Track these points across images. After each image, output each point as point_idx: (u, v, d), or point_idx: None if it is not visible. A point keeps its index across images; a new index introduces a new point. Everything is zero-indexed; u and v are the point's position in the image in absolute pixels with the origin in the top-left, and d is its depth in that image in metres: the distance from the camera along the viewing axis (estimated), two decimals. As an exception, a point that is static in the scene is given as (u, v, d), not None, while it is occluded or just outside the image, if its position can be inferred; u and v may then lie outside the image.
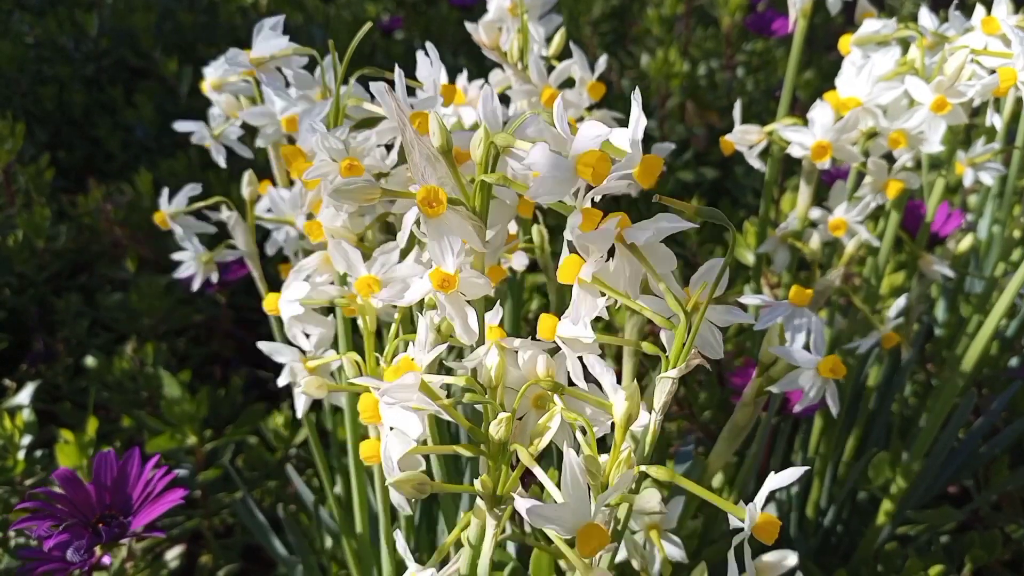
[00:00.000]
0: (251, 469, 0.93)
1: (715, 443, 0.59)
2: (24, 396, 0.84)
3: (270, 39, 0.56)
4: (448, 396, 0.42)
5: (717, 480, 0.83)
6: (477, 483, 0.41)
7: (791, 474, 0.39)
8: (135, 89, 1.43)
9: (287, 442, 0.94)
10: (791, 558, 0.50)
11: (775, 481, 0.40)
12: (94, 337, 1.10)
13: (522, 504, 0.36)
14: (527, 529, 0.55)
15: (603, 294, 0.41)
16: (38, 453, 0.82)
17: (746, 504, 0.40)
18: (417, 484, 0.40)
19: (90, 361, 1.00)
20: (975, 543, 0.74)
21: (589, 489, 0.38)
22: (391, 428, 0.41)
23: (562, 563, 0.47)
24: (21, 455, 0.78)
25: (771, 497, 0.61)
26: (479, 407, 0.42)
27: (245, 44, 0.58)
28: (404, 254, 0.51)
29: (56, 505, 0.62)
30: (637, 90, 0.39)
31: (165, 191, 0.68)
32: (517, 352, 0.44)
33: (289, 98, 0.58)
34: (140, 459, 0.64)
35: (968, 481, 0.86)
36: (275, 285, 0.66)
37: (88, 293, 1.15)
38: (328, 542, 0.83)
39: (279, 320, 0.68)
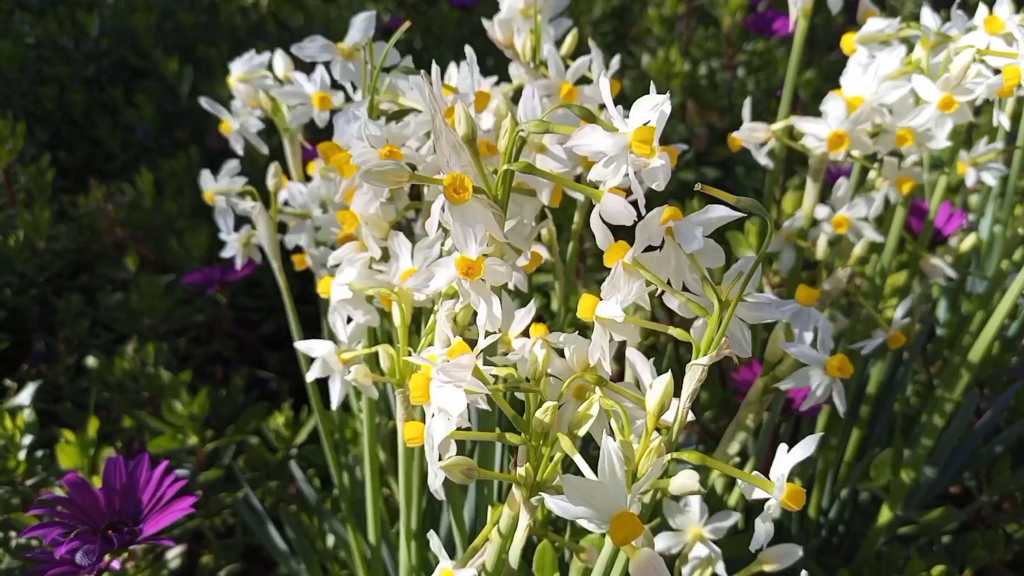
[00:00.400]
0: (252, 469, 0.92)
1: (717, 442, 0.59)
2: (25, 396, 0.84)
3: (357, 33, 0.60)
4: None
5: (720, 479, 0.83)
6: (521, 470, 0.42)
7: (810, 443, 0.41)
8: (135, 89, 1.43)
9: (288, 442, 0.93)
10: (797, 551, 0.52)
11: (797, 453, 0.41)
12: (95, 337, 1.10)
13: (552, 502, 0.37)
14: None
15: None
16: (39, 453, 0.82)
17: (751, 504, 0.41)
18: (466, 469, 0.41)
19: (91, 361, 1.00)
20: (977, 543, 0.74)
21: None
22: (438, 409, 0.41)
23: (581, 558, 0.47)
24: (22, 455, 0.78)
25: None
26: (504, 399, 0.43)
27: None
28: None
29: (64, 510, 0.61)
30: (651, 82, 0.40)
31: (204, 172, 0.71)
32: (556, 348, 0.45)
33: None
34: (149, 464, 0.64)
35: (970, 481, 0.86)
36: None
37: (89, 293, 1.15)
38: (330, 541, 0.82)
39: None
